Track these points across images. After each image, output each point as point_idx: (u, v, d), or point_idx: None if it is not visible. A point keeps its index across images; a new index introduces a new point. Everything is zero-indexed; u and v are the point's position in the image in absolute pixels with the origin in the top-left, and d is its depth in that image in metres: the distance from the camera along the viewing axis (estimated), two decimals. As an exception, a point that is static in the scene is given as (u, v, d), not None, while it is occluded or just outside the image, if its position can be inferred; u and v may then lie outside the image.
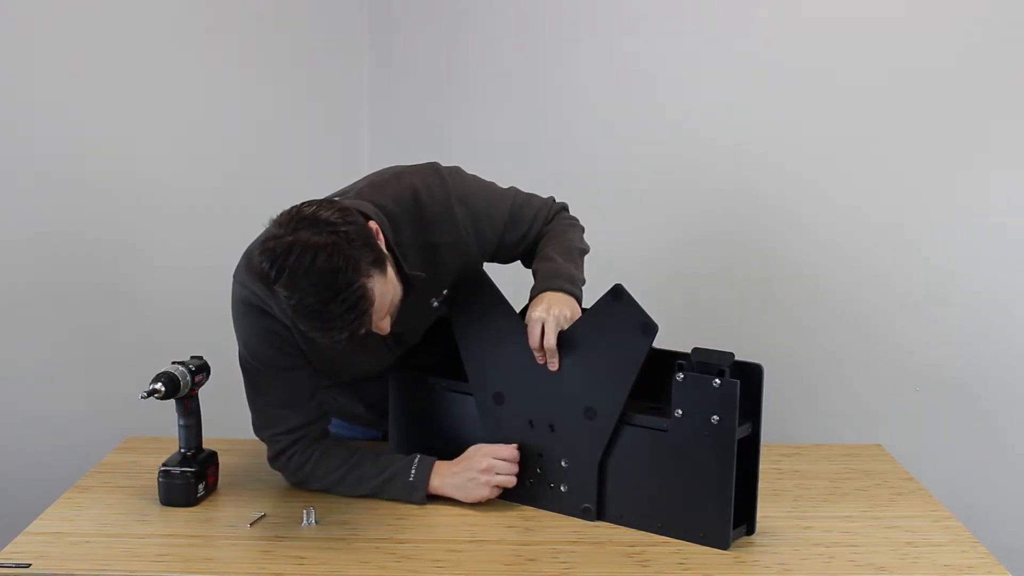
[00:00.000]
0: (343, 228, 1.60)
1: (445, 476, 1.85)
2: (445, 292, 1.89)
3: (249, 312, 1.82)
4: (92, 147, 2.73)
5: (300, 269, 1.56)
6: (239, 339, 1.86)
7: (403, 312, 1.78)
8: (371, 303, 1.61)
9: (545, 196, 1.99)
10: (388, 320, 1.70)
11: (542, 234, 1.94)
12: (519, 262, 2.00)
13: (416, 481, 1.85)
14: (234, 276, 1.84)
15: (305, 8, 2.83)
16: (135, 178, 2.76)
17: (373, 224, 1.68)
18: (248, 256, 1.81)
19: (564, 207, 2.01)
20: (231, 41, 2.79)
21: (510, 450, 1.84)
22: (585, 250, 1.96)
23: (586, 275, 1.91)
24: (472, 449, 1.86)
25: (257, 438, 1.92)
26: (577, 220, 2.01)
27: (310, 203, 1.65)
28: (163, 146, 2.77)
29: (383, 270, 1.64)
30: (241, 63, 2.81)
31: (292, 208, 1.64)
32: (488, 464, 1.82)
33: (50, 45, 2.68)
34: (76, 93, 2.71)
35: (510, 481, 1.83)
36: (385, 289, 1.65)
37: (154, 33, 2.73)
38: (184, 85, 2.77)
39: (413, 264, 1.79)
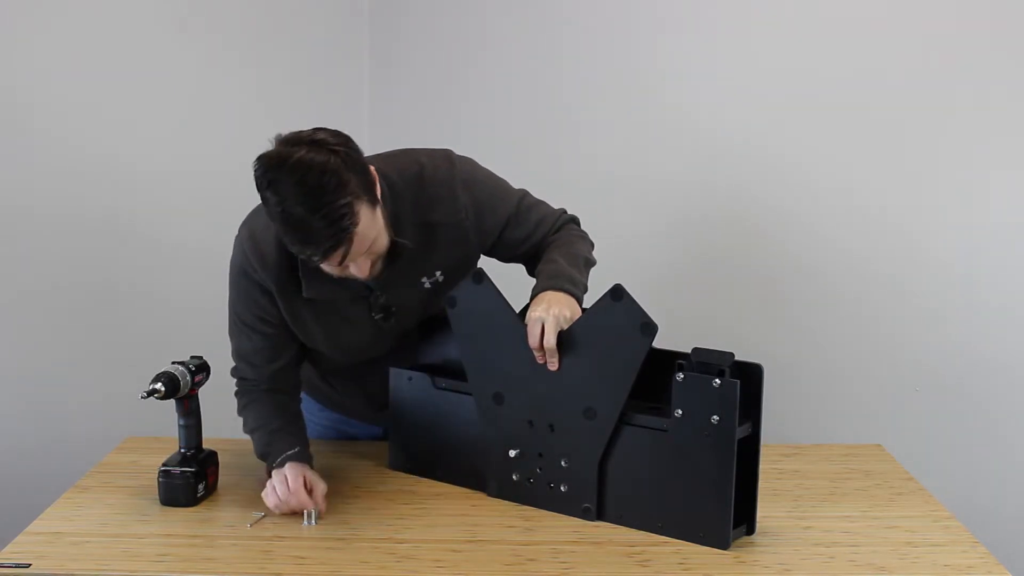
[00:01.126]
0: (342, 150, 1.64)
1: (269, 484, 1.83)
2: (439, 275, 1.89)
3: (239, 276, 1.85)
4: (91, 148, 2.74)
5: (292, 179, 1.60)
6: (229, 297, 1.90)
7: (391, 284, 1.80)
8: (355, 224, 1.63)
9: (555, 206, 1.99)
10: (367, 263, 1.71)
11: (549, 242, 1.94)
12: (522, 266, 2.00)
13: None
14: (237, 234, 1.87)
15: (305, 8, 2.83)
16: (134, 178, 2.77)
17: (373, 170, 1.72)
18: (250, 222, 1.85)
19: (574, 220, 2.01)
20: (231, 41, 2.79)
21: (291, 499, 1.80)
22: (591, 261, 1.94)
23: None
24: (273, 487, 1.81)
25: None
26: (587, 234, 2.00)
27: (315, 128, 1.69)
28: (162, 147, 2.77)
29: (372, 202, 1.68)
30: (241, 63, 2.81)
31: (297, 131, 1.69)
32: (274, 504, 1.80)
33: (55, 44, 2.68)
34: (77, 93, 2.71)
35: (271, 503, 1.81)
36: (371, 222, 1.67)
37: (155, 33, 2.73)
38: (183, 85, 2.77)
39: (407, 238, 1.80)
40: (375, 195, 1.70)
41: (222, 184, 2.78)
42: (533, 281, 1.89)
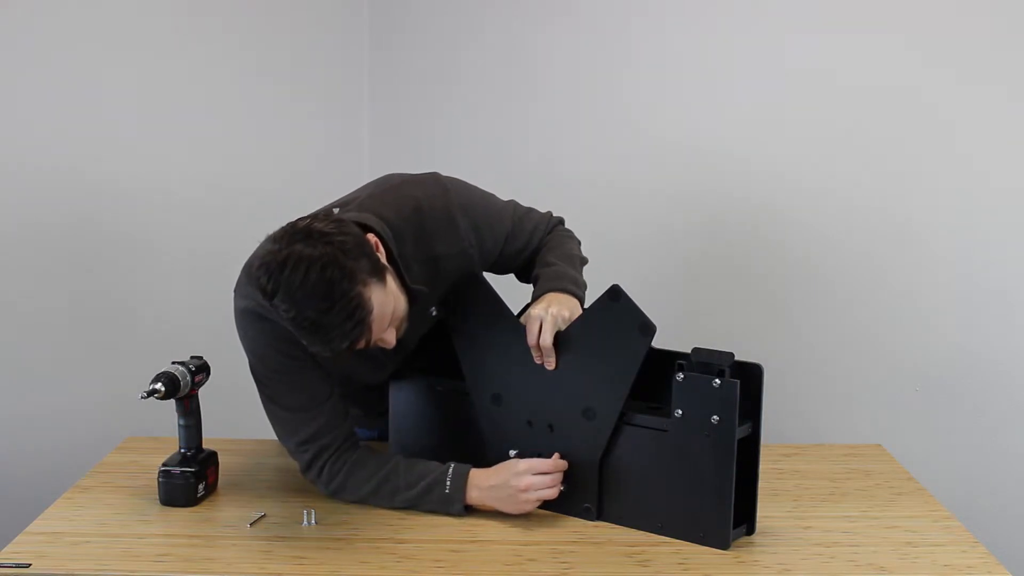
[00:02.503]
0: (338, 238, 1.59)
1: (483, 488, 1.80)
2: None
3: (252, 320, 1.80)
4: (92, 148, 2.74)
5: (296, 281, 1.55)
6: (247, 350, 1.84)
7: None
8: (369, 312, 1.60)
9: (543, 206, 1.99)
10: (393, 332, 1.69)
11: (541, 246, 1.94)
12: (513, 275, 1.99)
13: (452, 494, 1.80)
14: (235, 291, 1.82)
15: (305, 8, 2.83)
16: (135, 179, 2.76)
17: (372, 236, 1.68)
18: (247, 269, 1.79)
19: (561, 221, 2.01)
20: (231, 41, 2.79)
21: (549, 463, 1.79)
22: (585, 260, 1.95)
23: (585, 276, 1.91)
24: (511, 463, 1.80)
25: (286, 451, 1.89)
26: (573, 233, 2.00)
27: (305, 217, 1.65)
28: (162, 147, 2.77)
29: (382, 280, 1.63)
30: (241, 64, 2.81)
31: (288, 224, 1.64)
32: (527, 483, 1.77)
33: (51, 44, 2.68)
34: (78, 93, 2.71)
35: (551, 494, 1.78)
36: (385, 299, 1.63)
37: (154, 33, 2.73)
38: (183, 86, 2.77)
39: (416, 276, 1.77)
40: (380, 267, 1.64)
41: (223, 185, 2.79)
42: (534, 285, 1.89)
